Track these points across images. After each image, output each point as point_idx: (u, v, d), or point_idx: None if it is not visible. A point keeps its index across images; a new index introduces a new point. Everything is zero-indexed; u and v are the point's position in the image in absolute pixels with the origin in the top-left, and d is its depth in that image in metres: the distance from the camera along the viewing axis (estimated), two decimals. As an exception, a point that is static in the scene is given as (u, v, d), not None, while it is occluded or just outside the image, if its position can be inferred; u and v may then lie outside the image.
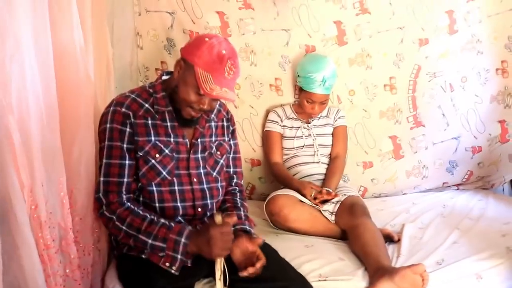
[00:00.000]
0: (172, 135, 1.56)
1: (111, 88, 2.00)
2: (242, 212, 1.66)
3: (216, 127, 1.70)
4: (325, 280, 1.62)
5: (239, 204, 1.70)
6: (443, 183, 2.71)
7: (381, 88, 2.58)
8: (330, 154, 2.43)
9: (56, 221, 1.39)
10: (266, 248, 1.62)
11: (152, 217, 1.47)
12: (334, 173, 2.31)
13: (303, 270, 1.63)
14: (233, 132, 1.79)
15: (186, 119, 1.55)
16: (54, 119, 1.36)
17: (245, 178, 2.57)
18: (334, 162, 2.39)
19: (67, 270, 1.44)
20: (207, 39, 1.47)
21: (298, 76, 2.40)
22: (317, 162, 2.35)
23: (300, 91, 2.39)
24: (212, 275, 1.56)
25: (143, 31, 2.46)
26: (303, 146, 2.38)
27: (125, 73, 2.38)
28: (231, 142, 1.77)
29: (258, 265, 1.43)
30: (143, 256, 1.48)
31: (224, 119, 1.75)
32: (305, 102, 2.34)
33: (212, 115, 1.68)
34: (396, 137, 2.62)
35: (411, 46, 2.53)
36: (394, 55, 2.54)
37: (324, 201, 2.10)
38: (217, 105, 1.71)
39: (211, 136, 1.67)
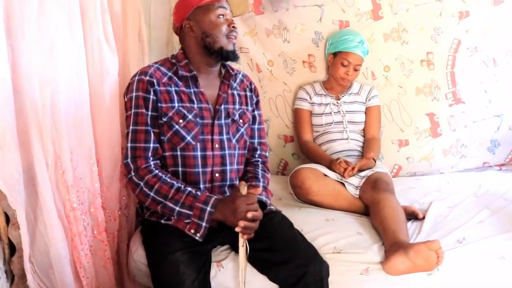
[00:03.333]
0: (195, 101, 1.63)
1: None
2: (261, 183, 1.70)
3: (239, 96, 1.76)
4: (339, 252, 1.64)
5: (259, 175, 1.74)
6: (484, 163, 2.61)
7: (418, 64, 2.50)
8: (364, 135, 2.42)
9: (86, 187, 1.53)
10: (281, 220, 1.68)
11: (179, 185, 1.54)
12: (376, 148, 2.33)
13: (317, 242, 1.66)
14: (257, 103, 1.84)
15: (230, 52, 1.63)
16: (84, 94, 1.49)
17: (278, 154, 2.66)
18: (371, 141, 2.37)
19: (95, 232, 1.58)
20: None
21: (331, 44, 2.40)
22: (346, 139, 2.35)
23: (334, 57, 2.38)
24: (228, 242, 1.65)
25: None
26: (332, 122, 2.38)
27: (162, 53, 2.47)
28: (256, 112, 1.82)
29: (249, 215, 1.46)
30: (162, 221, 1.58)
31: (247, 89, 1.80)
32: (340, 66, 2.33)
33: (235, 84, 1.75)
34: (434, 115, 2.54)
35: (450, 19, 2.43)
36: (432, 29, 2.45)
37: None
38: (240, 75, 1.80)
39: (234, 103, 1.72)
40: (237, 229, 1.46)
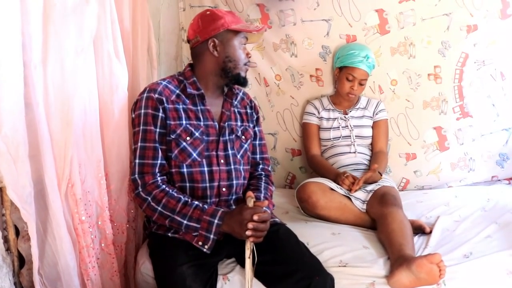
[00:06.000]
0: (202, 119, 1.66)
1: (154, 81, 2.14)
2: (262, 194, 1.72)
3: (240, 113, 1.80)
4: (344, 266, 1.64)
5: (261, 187, 1.77)
6: (492, 176, 2.59)
7: (425, 78, 2.51)
8: (372, 148, 2.43)
9: (94, 199, 1.55)
10: (286, 232, 1.68)
11: (186, 199, 1.56)
12: (383, 162, 2.33)
13: (323, 256, 1.67)
14: (257, 120, 1.87)
15: (244, 79, 1.71)
16: (94, 107, 1.52)
17: (286, 167, 2.67)
18: (378, 154, 2.38)
19: (103, 245, 1.60)
20: (208, 12, 1.68)
21: (338, 58, 2.42)
22: (354, 152, 2.36)
23: (340, 71, 2.40)
24: (234, 255, 1.67)
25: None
26: (340, 137, 2.39)
27: (171, 67, 2.52)
28: (256, 129, 1.86)
29: (255, 217, 1.47)
30: (169, 234, 1.60)
31: (248, 106, 1.84)
32: (345, 81, 2.35)
33: (236, 102, 1.78)
34: (441, 128, 2.54)
35: (458, 33, 2.44)
36: (439, 43, 2.46)
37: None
38: (241, 93, 1.83)
39: (236, 120, 1.76)
40: (247, 233, 1.47)
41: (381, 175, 2.19)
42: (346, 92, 2.37)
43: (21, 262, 1.33)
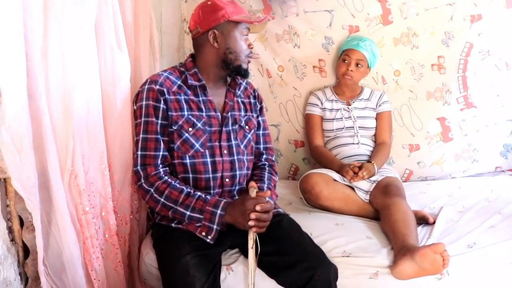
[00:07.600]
0: (204, 109, 1.66)
1: (156, 72, 2.14)
2: (265, 185, 1.72)
3: (244, 103, 1.79)
4: (348, 256, 1.65)
5: (265, 178, 1.76)
6: (496, 167, 2.59)
7: (428, 68, 2.49)
8: (375, 139, 2.42)
9: (97, 191, 1.55)
10: (289, 223, 1.69)
11: (189, 190, 1.57)
12: (382, 154, 2.31)
13: (327, 246, 1.67)
14: (261, 109, 1.87)
15: (245, 71, 1.70)
16: (97, 99, 1.52)
17: (289, 159, 2.67)
18: (380, 146, 2.37)
19: (106, 235, 1.61)
20: (209, 2, 1.65)
21: (340, 50, 2.46)
22: (357, 144, 2.35)
23: (339, 58, 2.43)
24: (238, 246, 1.67)
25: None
26: (343, 128, 2.38)
27: (173, 58, 2.51)
28: (260, 118, 1.85)
29: (258, 207, 1.47)
30: (173, 225, 1.60)
31: (251, 96, 1.83)
32: (341, 62, 2.39)
33: (239, 92, 1.78)
34: (445, 119, 2.53)
35: (461, 23, 2.42)
36: (443, 33, 2.44)
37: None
38: (244, 83, 1.82)
39: (240, 110, 1.75)
40: (250, 223, 1.47)
41: (373, 165, 2.17)
42: (342, 73, 2.38)
43: (26, 252, 1.34)
